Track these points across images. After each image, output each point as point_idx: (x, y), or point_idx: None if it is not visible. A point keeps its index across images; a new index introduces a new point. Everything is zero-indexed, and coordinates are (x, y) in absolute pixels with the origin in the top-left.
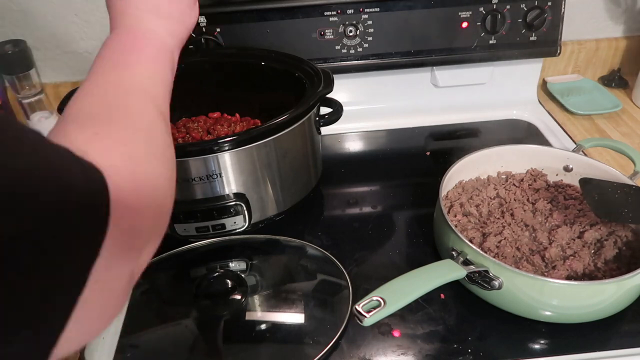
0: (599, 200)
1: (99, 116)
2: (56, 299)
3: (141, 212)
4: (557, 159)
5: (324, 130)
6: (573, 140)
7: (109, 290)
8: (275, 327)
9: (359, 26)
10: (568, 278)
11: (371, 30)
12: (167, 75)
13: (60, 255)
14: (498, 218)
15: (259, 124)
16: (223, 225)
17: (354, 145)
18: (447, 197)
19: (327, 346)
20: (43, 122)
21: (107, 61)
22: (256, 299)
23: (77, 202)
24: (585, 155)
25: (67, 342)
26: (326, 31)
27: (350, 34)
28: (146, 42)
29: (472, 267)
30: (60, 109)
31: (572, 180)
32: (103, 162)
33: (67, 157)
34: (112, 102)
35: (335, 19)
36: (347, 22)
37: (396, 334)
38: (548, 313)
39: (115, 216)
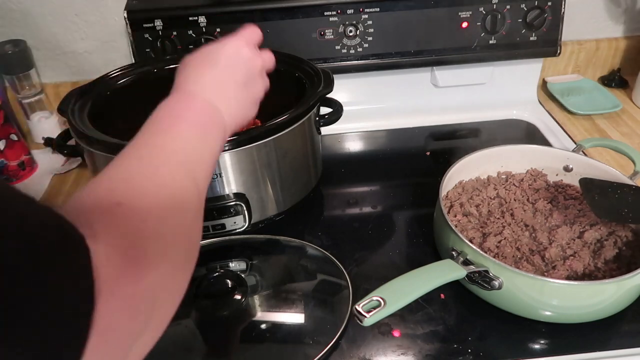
0: (599, 200)
1: (130, 182)
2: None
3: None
4: (557, 159)
5: (324, 130)
6: (573, 140)
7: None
8: (275, 327)
9: (359, 26)
10: (568, 278)
11: (371, 30)
12: (215, 148)
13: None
14: (498, 218)
15: (259, 124)
16: (223, 225)
17: (354, 145)
18: (447, 197)
19: (327, 346)
20: (43, 122)
21: (157, 122)
22: (256, 299)
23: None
24: (585, 155)
25: None
26: (326, 31)
27: (350, 34)
28: (202, 108)
29: (472, 267)
30: (60, 109)
31: (572, 180)
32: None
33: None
34: (146, 171)
35: (335, 19)
36: (347, 22)
37: (396, 334)
38: (548, 313)
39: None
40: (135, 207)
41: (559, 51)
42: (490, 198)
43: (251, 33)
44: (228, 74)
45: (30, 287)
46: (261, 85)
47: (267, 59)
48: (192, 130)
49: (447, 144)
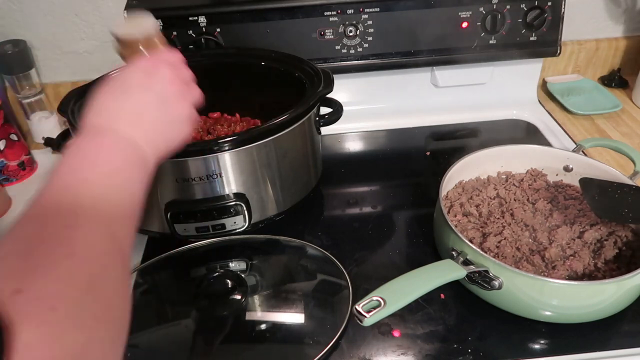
0: (599, 200)
1: (30, 259)
2: None
3: None
4: (557, 159)
5: (324, 130)
6: (573, 140)
7: None
8: (275, 327)
9: (359, 26)
10: (568, 278)
11: (371, 30)
12: (136, 190)
13: None
14: (498, 218)
15: (259, 124)
16: (223, 225)
17: (354, 145)
18: (447, 197)
19: (327, 346)
20: (43, 122)
21: (64, 173)
22: (256, 299)
23: None
24: (585, 155)
25: None
26: (326, 31)
27: (350, 34)
28: (115, 147)
29: (472, 267)
30: (60, 109)
31: (572, 180)
32: (19, 339)
33: None
34: (54, 233)
35: (335, 19)
36: (347, 22)
37: (396, 334)
38: (548, 313)
39: None
40: (38, 294)
41: (559, 51)
42: (490, 198)
43: (169, 54)
44: (143, 97)
45: None
46: (186, 102)
47: (187, 72)
48: (106, 179)
49: (447, 144)
